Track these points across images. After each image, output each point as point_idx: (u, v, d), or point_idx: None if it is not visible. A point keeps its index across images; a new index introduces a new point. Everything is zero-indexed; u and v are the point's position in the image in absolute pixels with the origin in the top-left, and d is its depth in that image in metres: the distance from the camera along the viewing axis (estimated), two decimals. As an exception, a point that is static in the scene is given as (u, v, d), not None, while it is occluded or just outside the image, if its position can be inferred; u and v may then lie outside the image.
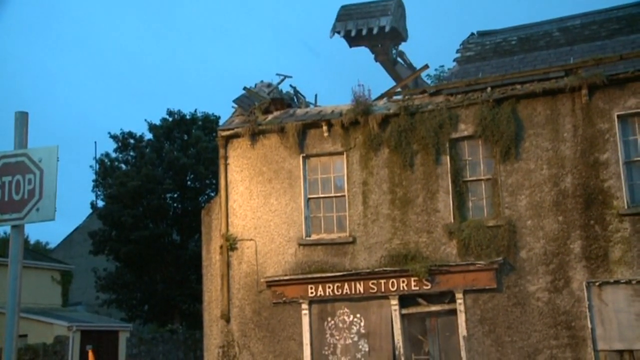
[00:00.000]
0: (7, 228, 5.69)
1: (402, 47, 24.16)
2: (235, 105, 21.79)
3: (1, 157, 5.72)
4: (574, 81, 18.06)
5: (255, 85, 22.09)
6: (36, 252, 48.49)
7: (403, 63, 24.19)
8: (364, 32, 22.29)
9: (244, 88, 21.78)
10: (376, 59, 23.62)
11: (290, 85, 23.08)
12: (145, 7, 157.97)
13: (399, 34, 22.96)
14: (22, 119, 5.77)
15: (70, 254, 50.83)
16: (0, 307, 37.30)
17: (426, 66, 22.02)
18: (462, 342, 18.07)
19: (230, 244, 20.17)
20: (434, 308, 18.61)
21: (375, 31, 22.24)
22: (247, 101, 21.46)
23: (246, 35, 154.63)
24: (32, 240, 63.61)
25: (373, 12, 22.58)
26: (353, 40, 23.03)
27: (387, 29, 22.10)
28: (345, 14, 22.82)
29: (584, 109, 18.06)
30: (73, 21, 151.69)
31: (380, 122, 19.47)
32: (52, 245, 60.55)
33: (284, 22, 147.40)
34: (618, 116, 17.78)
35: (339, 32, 22.63)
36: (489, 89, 19.02)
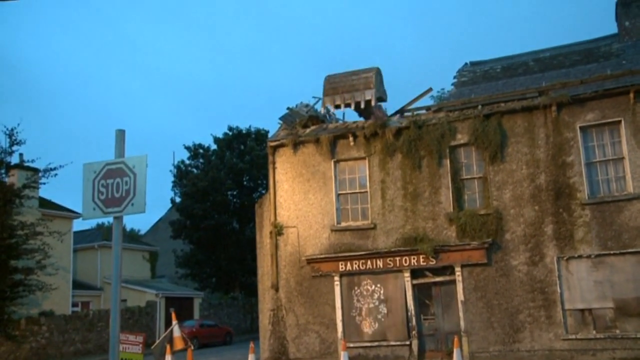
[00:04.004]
0: (110, 218, 5.77)
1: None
2: (281, 122, 21.84)
3: (105, 165, 5.81)
4: (546, 100, 17.93)
5: (296, 105, 22.06)
6: (131, 237, 49.02)
7: (379, 112, 22.31)
8: (352, 106, 20.59)
9: (288, 108, 21.77)
10: (359, 116, 21.72)
11: (323, 105, 23.01)
12: (202, 38, 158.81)
13: (380, 99, 21.10)
14: (120, 135, 5.85)
15: (156, 238, 51.34)
16: (107, 278, 38.00)
17: (430, 89, 21.71)
18: (460, 305, 17.97)
19: (278, 230, 20.22)
20: (438, 279, 18.51)
21: (362, 105, 20.49)
22: (290, 118, 21.48)
23: (283, 61, 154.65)
24: (127, 228, 64.35)
25: (357, 85, 20.31)
26: (339, 107, 20.95)
27: (373, 102, 20.35)
28: (331, 88, 20.64)
29: (554, 121, 17.89)
30: (148, 49, 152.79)
31: (395, 133, 19.40)
32: (142, 232, 61.18)
33: (315, 49, 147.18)
34: (580, 127, 17.65)
35: (328, 108, 20.82)
36: (479, 107, 18.89)
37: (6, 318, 27.45)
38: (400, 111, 20.84)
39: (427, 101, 22.39)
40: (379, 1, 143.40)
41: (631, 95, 17.06)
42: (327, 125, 21.25)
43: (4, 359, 27.14)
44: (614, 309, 16.59)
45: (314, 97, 22.23)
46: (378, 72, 20.82)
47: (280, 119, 21.75)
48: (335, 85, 20.68)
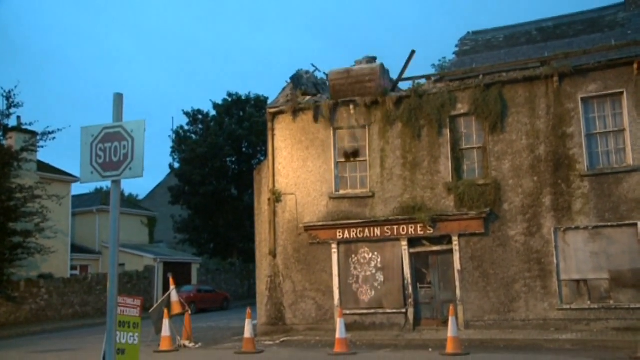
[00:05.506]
0: (109, 183, 5.76)
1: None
2: (289, 81, 21.51)
3: (103, 129, 5.76)
4: (548, 70, 17.81)
5: (297, 72, 21.98)
6: (129, 202, 49.13)
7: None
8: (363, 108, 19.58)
9: (297, 71, 21.75)
10: None
11: (324, 73, 22.92)
12: (201, 1, 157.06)
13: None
14: (118, 99, 5.79)
15: (154, 203, 51.44)
16: (105, 242, 38.20)
17: (413, 52, 20.80)
18: (456, 275, 18.10)
19: (276, 197, 20.26)
20: (435, 248, 18.61)
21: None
22: (298, 80, 21.45)
23: (284, 27, 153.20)
24: (126, 193, 64.38)
25: (363, 92, 19.49)
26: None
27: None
28: (337, 92, 19.86)
29: (555, 92, 17.79)
30: (146, 12, 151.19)
31: (395, 102, 19.31)
32: (141, 197, 61.28)
33: (316, 15, 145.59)
34: (581, 98, 17.56)
35: (337, 103, 19.78)
36: (480, 76, 18.77)
37: (5, 280, 27.69)
38: (397, 81, 20.63)
39: (428, 70, 22.30)
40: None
41: (635, 66, 16.93)
42: (325, 96, 21.12)
43: (4, 319, 27.44)
44: (609, 280, 16.72)
45: (312, 65, 22.14)
46: (382, 69, 20.01)
47: (290, 78, 21.57)
48: (341, 89, 19.82)
